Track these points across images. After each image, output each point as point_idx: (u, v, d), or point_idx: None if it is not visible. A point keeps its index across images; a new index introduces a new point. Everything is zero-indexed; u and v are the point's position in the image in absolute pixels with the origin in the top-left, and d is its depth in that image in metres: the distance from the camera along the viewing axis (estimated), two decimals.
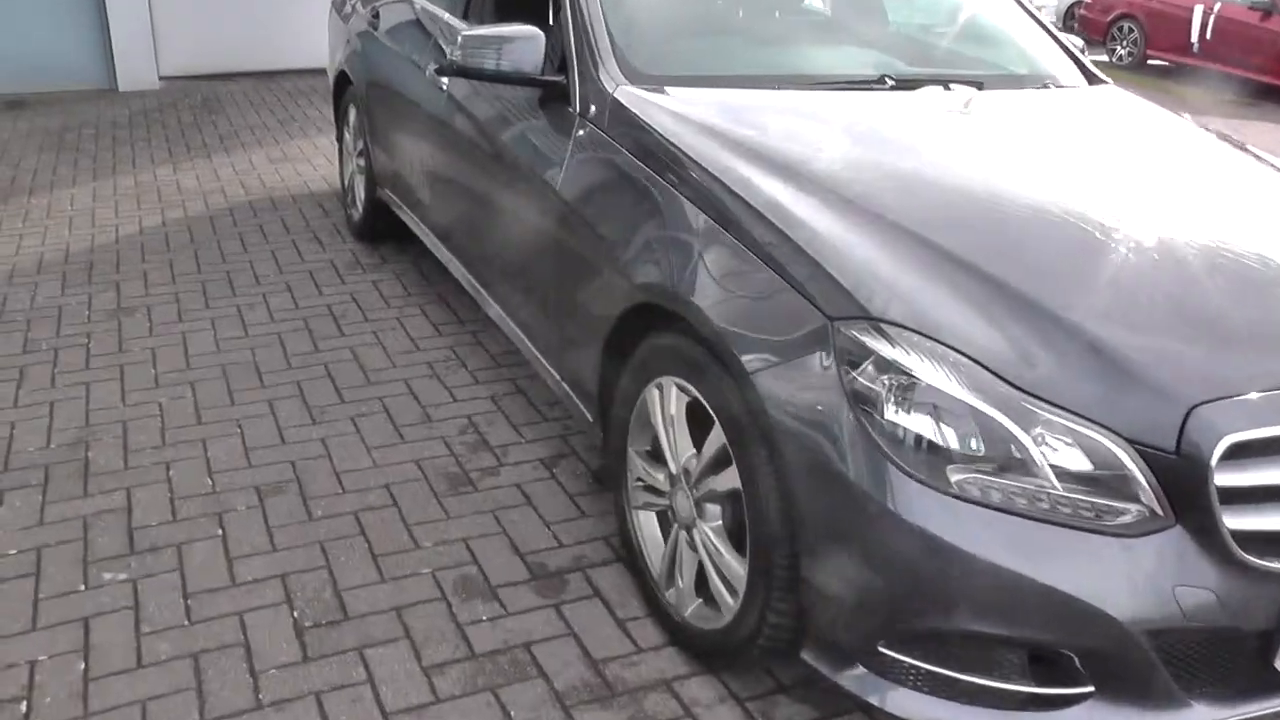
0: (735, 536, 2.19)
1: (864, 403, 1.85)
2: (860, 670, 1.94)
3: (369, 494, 2.89)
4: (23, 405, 3.28)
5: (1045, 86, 3.20)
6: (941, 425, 1.82)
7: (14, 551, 2.59)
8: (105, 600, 2.42)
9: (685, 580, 2.33)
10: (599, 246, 2.48)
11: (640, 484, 2.49)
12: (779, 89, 2.76)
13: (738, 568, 2.13)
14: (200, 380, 3.47)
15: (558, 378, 2.86)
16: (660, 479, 2.38)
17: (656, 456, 2.42)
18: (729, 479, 2.11)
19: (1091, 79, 3.35)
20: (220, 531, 2.69)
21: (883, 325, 1.88)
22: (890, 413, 1.84)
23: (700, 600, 2.32)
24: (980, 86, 3.03)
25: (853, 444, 1.85)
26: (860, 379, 1.86)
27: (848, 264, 1.99)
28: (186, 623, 2.36)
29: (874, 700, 1.92)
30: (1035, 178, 2.45)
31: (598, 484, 2.97)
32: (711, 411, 2.12)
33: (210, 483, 2.90)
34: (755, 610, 2.08)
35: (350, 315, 4.01)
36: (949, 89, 2.95)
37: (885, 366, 1.85)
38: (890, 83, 2.90)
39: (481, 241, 3.28)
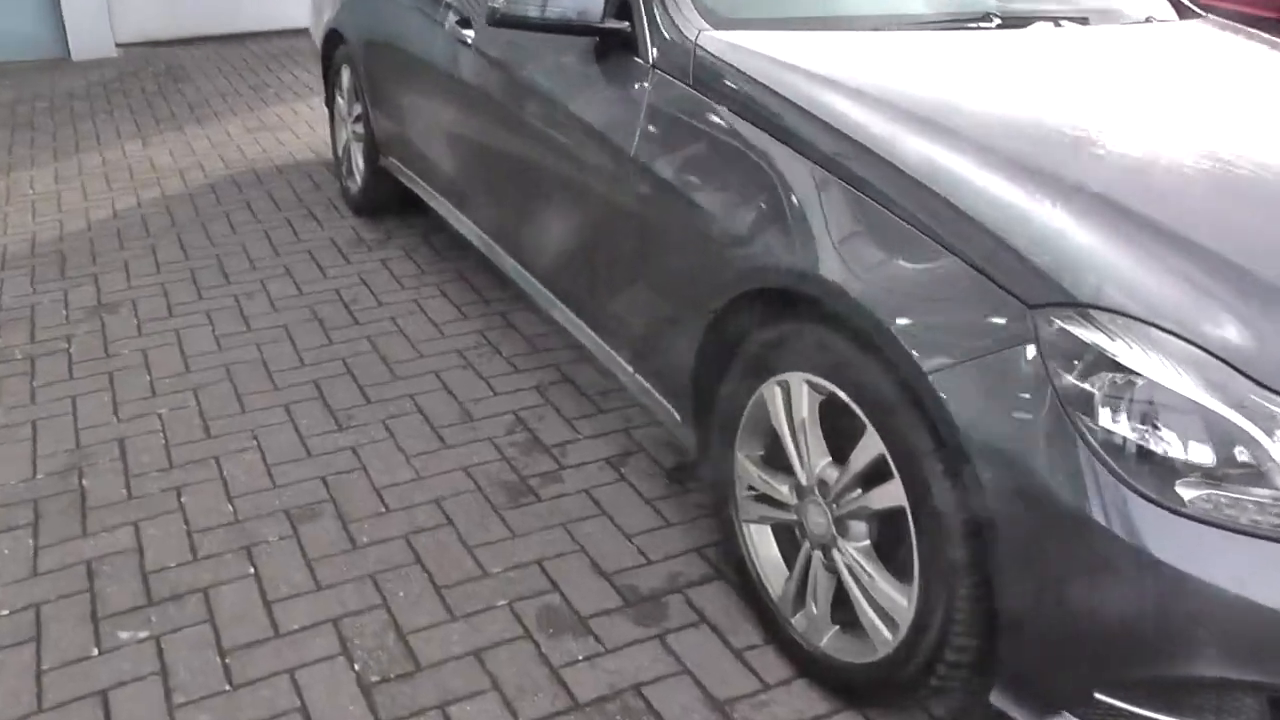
0: (887, 557, 1.85)
1: (1075, 405, 1.51)
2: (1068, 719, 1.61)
3: (418, 512, 2.51)
4: (0, 427, 2.86)
5: (1148, 21, 2.84)
6: (1169, 430, 1.48)
7: (6, 612, 2.18)
8: (125, 666, 2.03)
9: (820, 606, 1.98)
10: (697, 221, 2.10)
11: (752, 494, 2.13)
12: (881, 30, 2.39)
13: (897, 597, 1.79)
14: (203, 385, 3.06)
15: (630, 370, 2.49)
16: (783, 490, 2.02)
17: (774, 463, 2.07)
18: (888, 495, 1.76)
19: (1182, 11, 3.00)
20: (252, 570, 2.30)
21: (1094, 312, 1.53)
22: (1107, 417, 1.50)
23: (837, 628, 1.98)
24: (1085, 22, 2.67)
25: (1062, 454, 1.51)
26: (1069, 377, 1.51)
27: (1038, 238, 1.63)
28: (228, 688, 1.99)
29: None
30: (1204, 127, 2.10)
31: (677, 484, 2.62)
32: (864, 417, 1.77)
33: (231, 510, 2.51)
34: (924, 646, 1.74)
35: (362, 300, 3.60)
36: (1059, 25, 2.58)
37: (1101, 362, 1.51)
38: (996, 20, 2.52)
39: (524, 215, 2.88)
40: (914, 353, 1.64)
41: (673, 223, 2.18)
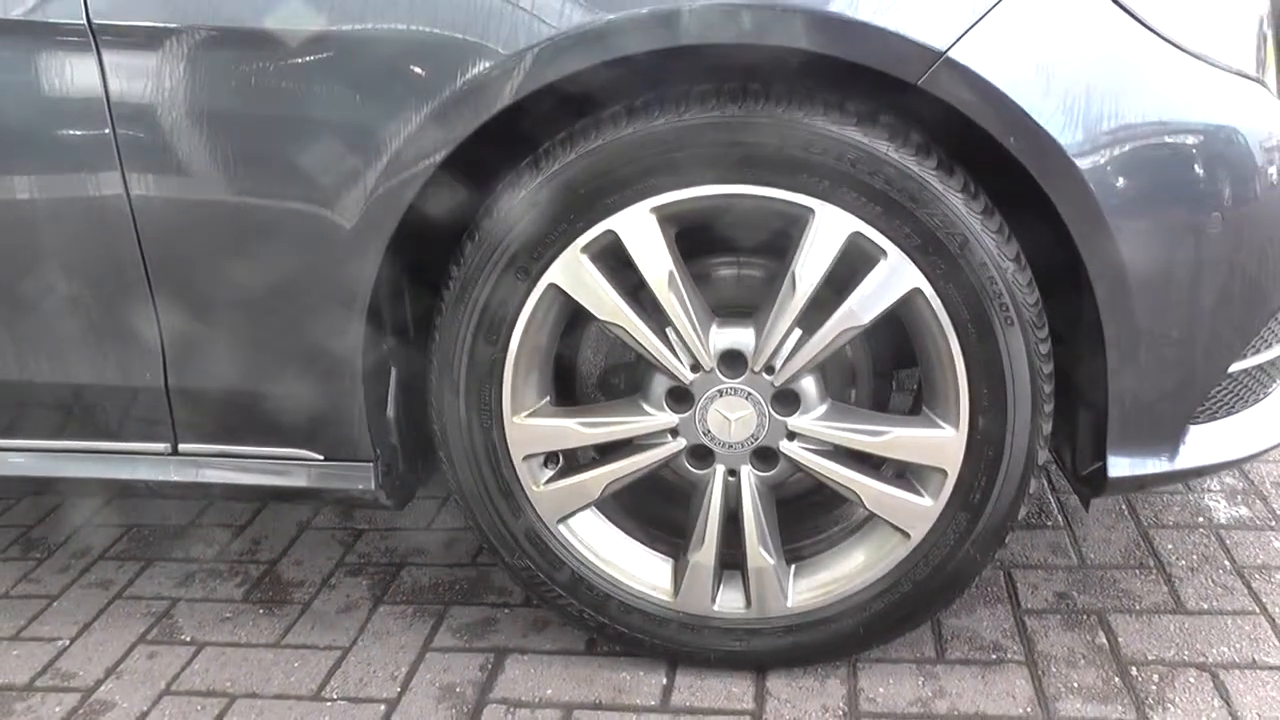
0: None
1: None
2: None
3: None
4: None
5: None
6: None
7: None
8: None
9: (774, 548, 1.28)
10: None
11: (555, 473, 1.30)
12: None
13: (933, 433, 1.20)
14: None
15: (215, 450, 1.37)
16: (652, 413, 1.25)
17: (584, 400, 1.34)
18: (884, 289, 1.14)
19: None
20: None
21: None
22: None
23: (794, 569, 1.31)
24: None
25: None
26: None
27: None
28: None
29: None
30: None
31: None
32: (812, 199, 1.12)
33: None
34: (996, 471, 1.20)
35: None
36: None
37: None
38: None
39: None
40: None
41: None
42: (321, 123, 1.15)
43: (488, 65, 1.09)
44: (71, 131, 1.23)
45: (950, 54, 1.04)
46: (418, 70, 1.11)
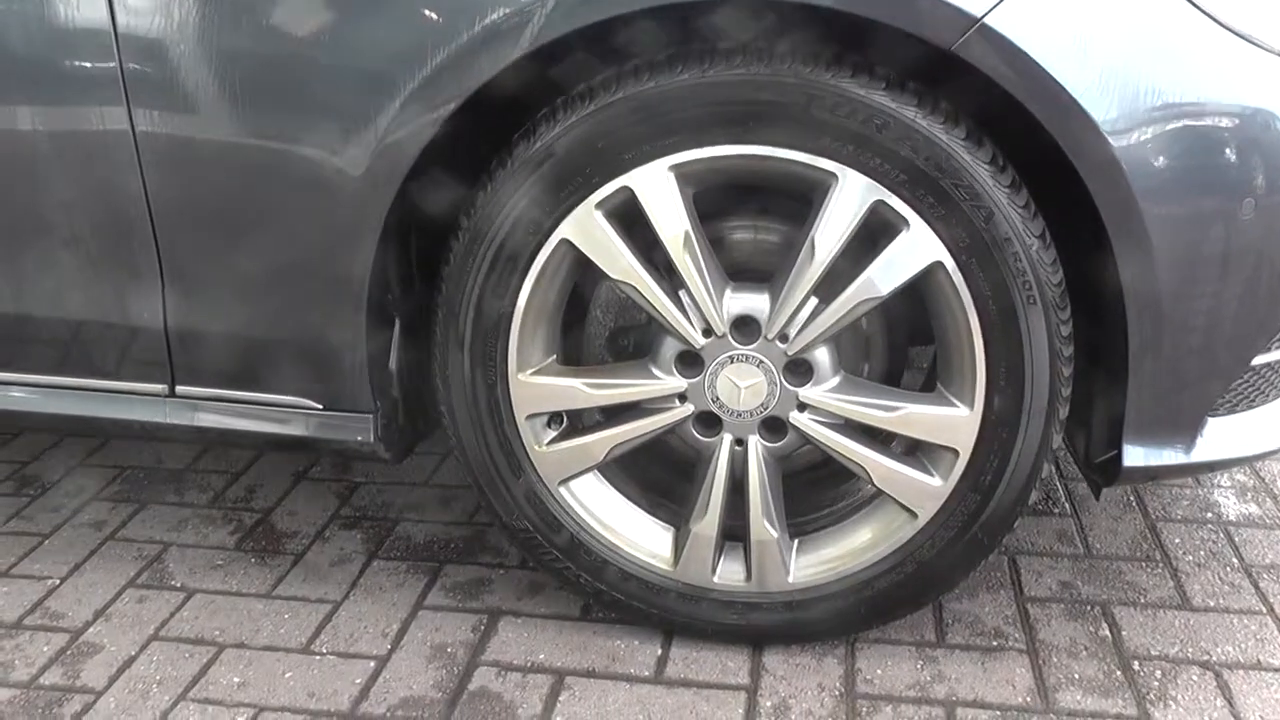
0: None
1: None
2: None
3: None
4: None
5: None
6: None
7: None
8: None
9: (778, 521, 1.26)
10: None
11: (557, 433, 1.28)
12: None
13: (949, 411, 1.17)
14: None
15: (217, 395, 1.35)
16: (662, 374, 1.22)
17: (589, 359, 1.29)
18: (905, 259, 1.11)
19: None
20: None
21: None
22: None
23: (796, 543, 1.29)
24: None
25: None
26: None
27: None
28: None
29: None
30: None
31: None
32: (836, 164, 1.09)
33: None
34: (1007, 454, 1.17)
35: None
36: None
37: None
38: None
39: None
40: None
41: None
42: (333, 64, 1.12)
43: (505, 12, 1.06)
44: (77, 63, 1.19)
45: (986, 20, 1.01)
46: (433, 14, 1.08)
